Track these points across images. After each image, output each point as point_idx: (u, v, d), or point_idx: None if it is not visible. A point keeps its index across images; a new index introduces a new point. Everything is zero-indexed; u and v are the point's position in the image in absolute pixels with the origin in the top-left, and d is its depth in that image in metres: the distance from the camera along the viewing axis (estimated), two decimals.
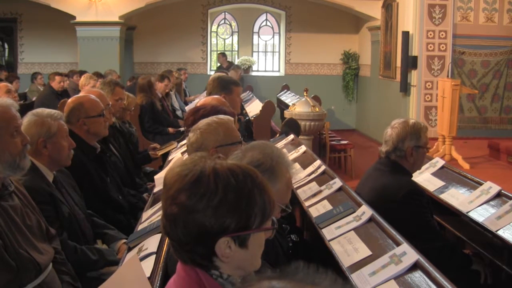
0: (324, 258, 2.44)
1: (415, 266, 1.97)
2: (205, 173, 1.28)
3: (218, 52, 12.51)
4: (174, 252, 1.35)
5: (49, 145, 2.64)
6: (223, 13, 12.89)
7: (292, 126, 5.50)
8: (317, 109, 6.81)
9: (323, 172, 3.50)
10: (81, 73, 8.52)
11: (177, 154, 4.05)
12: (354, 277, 2.05)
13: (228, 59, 12.01)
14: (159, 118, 6.81)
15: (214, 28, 12.91)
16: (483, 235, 2.90)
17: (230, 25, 13.08)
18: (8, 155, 2.09)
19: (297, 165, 3.89)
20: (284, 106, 8.69)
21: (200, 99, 4.49)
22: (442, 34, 8.73)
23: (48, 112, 2.71)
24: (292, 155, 4.22)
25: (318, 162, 3.71)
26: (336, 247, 2.35)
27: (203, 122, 2.51)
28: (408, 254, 2.03)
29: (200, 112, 2.97)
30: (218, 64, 12.19)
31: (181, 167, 1.33)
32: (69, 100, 3.45)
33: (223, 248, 1.27)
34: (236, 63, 12.12)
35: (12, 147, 2.12)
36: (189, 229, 1.26)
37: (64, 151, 2.70)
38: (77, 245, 2.61)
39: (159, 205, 2.91)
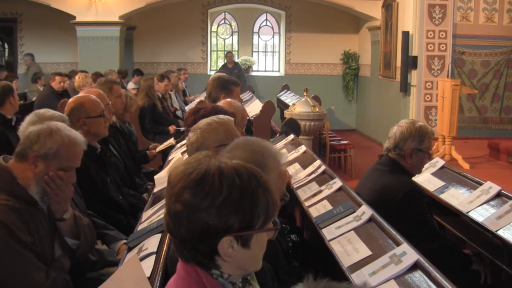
0: (324, 258, 2.45)
1: (415, 266, 1.97)
2: (210, 172, 1.28)
3: (227, 51, 12.42)
4: (176, 250, 1.35)
5: None
6: (223, 13, 12.88)
7: (292, 126, 5.49)
8: (317, 109, 6.81)
9: (323, 172, 3.50)
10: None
11: (177, 154, 4.05)
12: (354, 277, 2.06)
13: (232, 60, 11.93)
14: (160, 119, 6.82)
15: (214, 28, 12.91)
16: (483, 235, 2.90)
17: (230, 25, 13.08)
18: None
19: (297, 165, 3.89)
20: (284, 106, 8.68)
21: (200, 99, 4.49)
22: (442, 34, 8.73)
23: (50, 114, 2.69)
24: (292, 155, 4.22)
25: (318, 162, 3.71)
26: (336, 247, 2.35)
27: (203, 121, 2.51)
28: (408, 254, 2.03)
29: (201, 112, 2.97)
30: (220, 64, 12.21)
31: (186, 165, 1.33)
32: (70, 100, 3.44)
33: (226, 247, 1.27)
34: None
35: None
36: (192, 227, 1.27)
37: None
38: None
39: (159, 205, 2.91)
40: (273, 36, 13.01)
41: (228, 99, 3.68)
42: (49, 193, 2.18)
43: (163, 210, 2.46)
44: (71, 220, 2.33)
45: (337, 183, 3.16)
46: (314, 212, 2.88)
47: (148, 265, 2.09)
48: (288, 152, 4.42)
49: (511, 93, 9.10)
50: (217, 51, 13.10)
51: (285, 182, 2.01)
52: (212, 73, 10.37)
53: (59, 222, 2.28)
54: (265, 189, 1.31)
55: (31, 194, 2.15)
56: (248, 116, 6.90)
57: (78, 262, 2.51)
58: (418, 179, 3.39)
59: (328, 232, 2.53)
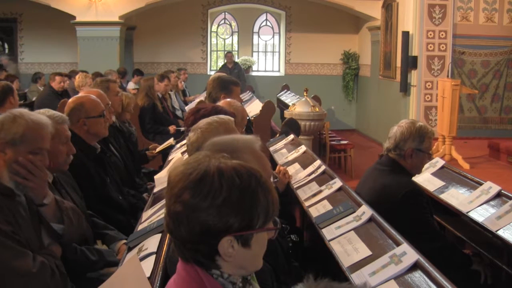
0: (324, 258, 2.44)
1: (415, 266, 1.97)
2: (209, 172, 1.28)
3: (227, 51, 12.44)
4: (176, 250, 1.35)
5: None
6: (223, 13, 12.89)
7: (292, 126, 5.50)
8: (317, 109, 6.81)
9: (323, 172, 3.50)
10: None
11: (177, 154, 4.05)
12: (354, 277, 2.06)
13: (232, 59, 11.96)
14: (160, 119, 6.81)
15: (214, 28, 12.91)
16: (483, 235, 2.90)
17: (230, 25, 13.08)
18: None
19: (297, 165, 3.89)
20: (284, 106, 8.68)
21: (200, 99, 4.49)
22: (442, 34, 8.73)
23: (51, 114, 2.69)
24: (292, 155, 4.22)
25: (318, 162, 3.71)
26: (336, 247, 2.35)
27: (203, 121, 2.50)
28: (408, 254, 2.03)
29: (201, 112, 2.97)
30: (220, 64, 12.20)
31: (186, 165, 1.33)
32: (70, 100, 3.43)
33: (226, 247, 1.27)
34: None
35: None
36: (192, 227, 1.27)
37: (61, 156, 2.65)
38: (77, 245, 2.60)
39: (159, 205, 2.91)
40: (273, 36, 13.01)
41: (228, 99, 3.68)
42: (19, 181, 2.16)
43: (163, 210, 2.46)
44: (53, 205, 2.33)
45: (337, 183, 3.16)
46: (314, 212, 2.87)
47: (148, 265, 2.09)
48: (288, 152, 4.43)
49: (511, 93, 9.11)
50: (217, 51, 13.10)
51: (268, 163, 1.98)
52: (212, 73, 10.37)
53: (41, 208, 2.27)
54: (265, 189, 1.31)
55: (5, 184, 2.13)
56: (248, 116, 6.91)
57: (78, 261, 2.51)
58: (418, 179, 3.39)
59: (328, 232, 2.53)
